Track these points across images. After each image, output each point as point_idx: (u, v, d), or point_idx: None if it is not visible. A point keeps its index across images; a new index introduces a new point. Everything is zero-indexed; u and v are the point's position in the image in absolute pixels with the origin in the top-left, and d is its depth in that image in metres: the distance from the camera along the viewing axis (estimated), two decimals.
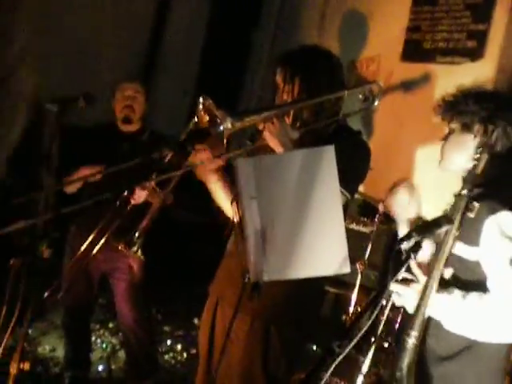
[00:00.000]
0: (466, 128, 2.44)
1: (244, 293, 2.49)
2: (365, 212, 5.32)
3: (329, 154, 2.25)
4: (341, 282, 4.92)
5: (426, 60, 5.57)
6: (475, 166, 2.28)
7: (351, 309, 4.40)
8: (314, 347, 4.86)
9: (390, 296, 2.26)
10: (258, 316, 2.80)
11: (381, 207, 4.45)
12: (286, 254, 2.32)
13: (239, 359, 2.84)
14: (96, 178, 3.91)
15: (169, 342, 5.26)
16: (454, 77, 5.25)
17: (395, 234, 5.03)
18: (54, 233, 3.23)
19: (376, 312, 1.83)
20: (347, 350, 1.75)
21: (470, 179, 2.28)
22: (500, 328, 2.17)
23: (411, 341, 2.11)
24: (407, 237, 1.93)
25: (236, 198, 2.44)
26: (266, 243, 2.33)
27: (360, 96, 2.99)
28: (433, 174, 4.84)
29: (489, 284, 2.24)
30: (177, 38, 7.60)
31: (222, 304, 3.00)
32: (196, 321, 5.19)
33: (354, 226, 5.25)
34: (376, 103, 2.99)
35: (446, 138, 2.56)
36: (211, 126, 2.55)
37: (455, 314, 2.21)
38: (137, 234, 3.54)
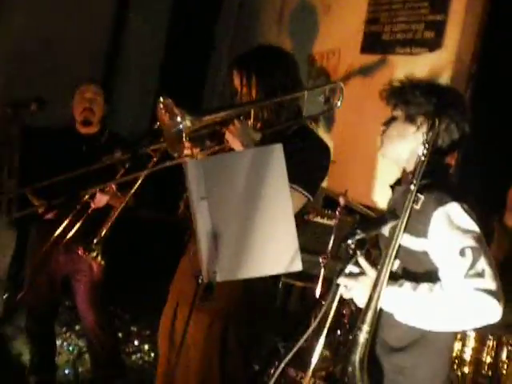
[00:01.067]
0: (410, 119, 2.42)
1: (198, 294, 2.49)
2: (328, 205, 5.35)
3: (277, 152, 2.25)
4: (307, 276, 4.92)
5: (385, 51, 5.61)
6: (422, 163, 2.25)
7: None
8: (283, 343, 4.86)
9: (338, 291, 2.25)
10: (215, 316, 2.81)
11: (341, 200, 4.47)
12: (238, 254, 2.32)
13: (197, 360, 2.85)
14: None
15: (136, 343, 5.25)
16: (412, 67, 5.29)
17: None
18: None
19: (325, 307, 1.85)
20: (297, 346, 1.76)
21: (416, 174, 2.26)
22: (451, 317, 2.18)
23: (363, 335, 2.11)
24: (352, 234, 1.94)
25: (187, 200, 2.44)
26: (218, 244, 2.33)
27: (320, 98, 3.00)
28: (394, 166, 4.92)
29: (440, 274, 2.25)
30: (138, 38, 7.57)
31: (182, 301, 3.00)
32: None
33: (318, 219, 5.28)
34: (339, 105, 3.00)
35: (387, 124, 2.51)
36: (171, 124, 2.55)
37: (407, 305, 2.21)
38: (96, 240, 3.54)
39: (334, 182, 5.28)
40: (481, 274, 2.16)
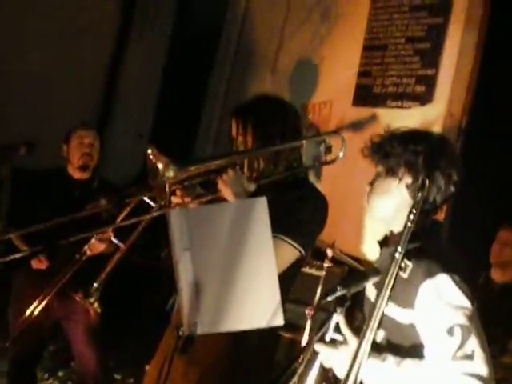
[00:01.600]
0: (391, 172, 2.28)
1: (177, 346, 2.45)
2: (318, 255, 5.33)
3: (261, 205, 2.24)
4: (295, 327, 4.88)
5: (376, 104, 5.65)
6: (409, 228, 2.05)
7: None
8: None
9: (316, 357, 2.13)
10: (192, 363, 2.74)
11: (329, 252, 4.46)
12: (219, 307, 2.30)
13: None
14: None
15: None
16: (403, 121, 5.31)
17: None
18: None
19: (300, 370, 1.81)
20: None
21: (402, 238, 2.07)
22: None
23: None
24: (332, 290, 1.90)
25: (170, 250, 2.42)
26: (199, 295, 2.31)
27: (321, 147, 2.92)
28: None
29: (425, 352, 2.11)
30: (132, 82, 7.64)
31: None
32: (148, 368, 5.10)
33: (307, 270, 5.25)
34: (341, 155, 2.87)
35: (372, 183, 2.38)
36: (155, 175, 2.54)
37: (389, 381, 2.07)
38: (95, 285, 3.51)
39: (323, 233, 5.25)
40: (470, 356, 2.00)
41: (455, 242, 2.73)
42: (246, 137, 2.83)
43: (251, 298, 2.27)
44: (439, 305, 2.07)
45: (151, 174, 2.58)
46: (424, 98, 5.30)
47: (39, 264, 4.17)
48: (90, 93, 7.46)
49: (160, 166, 2.48)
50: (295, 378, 1.83)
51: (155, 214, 2.73)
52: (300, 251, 2.65)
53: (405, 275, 2.13)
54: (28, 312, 3.96)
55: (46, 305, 4.06)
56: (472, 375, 1.96)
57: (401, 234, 2.08)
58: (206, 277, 2.31)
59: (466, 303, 2.07)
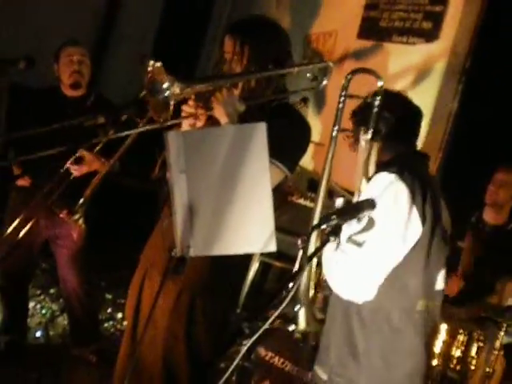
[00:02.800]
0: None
1: (170, 266, 2.47)
2: (313, 188, 5.34)
3: (260, 130, 2.22)
4: (286, 256, 4.92)
5: (381, 38, 5.58)
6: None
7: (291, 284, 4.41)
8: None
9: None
10: (184, 288, 2.78)
11: None
12: (213, 230, 2.31)
13: (163, 329, 2.84)
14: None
15: (109, 310, 5.25)
16: (407, 56, 5.28)
17: None
18: None
19: (293, 290, 1.84)
20: (262, 329, 1.75)
21: None
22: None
23: None
24: (326, 219, 1.92)
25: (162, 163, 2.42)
26: (193, 218, 2.31)
27: (308, 75, 2.96)
28: None
29: None
30: (135, 2, 7.51)
31: (152, 271, 2.97)
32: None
33: (301, 201, 5.26)
34: (324, 83, 2.90)
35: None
36: (155, 91, 2.51)
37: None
38: (80, 202, 3.53)
39: (319, 165, 5.26)
40: (359, 244, 2.23)
41: (450, 180, 2.78)
42: (242, 57, 2.83)
43: (246, 223, 2.28)
44: (367, 193, 2.35)
45: (151, 90, 2.54)
46: (430, 35, 5.23)
47: (22, 181, 4.16)
48: (92, 11, 7.33)
49: (165, 81, 2.45)
50: (284, 305, 1.84)
51: (147, 128, 2.71)
52: (286, 173, 2.75)
53: None
54: (11, 227, 3.99)
55: (34, 222, 4.09)
56: (346, 256, 2.24)
57: None
58: (201, 200, 2.31)
59: (389, 206, 2.25)
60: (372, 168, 2.49)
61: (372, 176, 2.46)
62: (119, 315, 5.17)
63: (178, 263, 2.38)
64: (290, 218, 5.27)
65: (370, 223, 2.20)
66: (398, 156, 2.50)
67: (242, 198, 2.26)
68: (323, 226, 1.93)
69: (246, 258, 3.12)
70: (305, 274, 2.32)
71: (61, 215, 3.65)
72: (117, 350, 3.22)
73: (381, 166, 2.42)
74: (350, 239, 2.19)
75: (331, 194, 4.76)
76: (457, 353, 4.04)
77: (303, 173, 5.10)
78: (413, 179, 2.31)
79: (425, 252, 2.33)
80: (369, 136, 2.44)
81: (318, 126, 5.57)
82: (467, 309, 4.16)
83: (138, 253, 3.18)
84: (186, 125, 2.79)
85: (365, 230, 2.19)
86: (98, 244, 4.43)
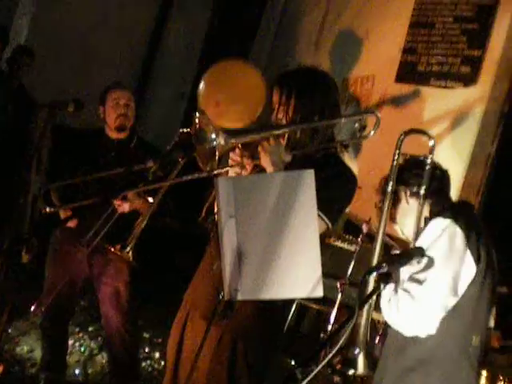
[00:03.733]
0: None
1: (217, 310, 2.50)
2: (350, 230, 5.35)
3: (309, 177, 2.27)
4: (323, 299, 4.91)
5: (419, 82, 5.61)
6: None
7: (329, 327, 4.41)
8: (293, 362, 4.86)
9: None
10: (226, 331, 2.81)
11: (364, 227, 4.47)
12: (261, 275, 2.34)
13: (205, 372, 2.85)
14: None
15: (147, 349, 5.27)
16: (445, 100, 5.30)
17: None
18: (34, 239, 3.25)
19: (344, 338, 1.85)
20: (312, 374, 1.77)
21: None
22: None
23: None
24: (377, 267, 1.94)
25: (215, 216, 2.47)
26: (242, 263, 2.35)
27: (356, 125, 2.99)
28: None
29: None
30: (175, 45, 7.66)
31: (194, 314, 3.01)
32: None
33: (338, 244, 5.27)
34: (372, 134, 2.99)
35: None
36: (202, 140, 2.58)
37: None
38: (130, 238, 3.60)
39: (356, 208, 5.27)
40: (419, 281, 2.35)
41: (489, 225, 2.84)
42: (288, 108, 2.88)
43: (293, 268, 2.31)
44: (424, 238, 2.49)
45: (197, 139, 2.61)
46: (468, 79, 5.24)
47: (70, 222, 4.23)
48: (133, 53, 7.50)
49: (212, 131, 2.52)
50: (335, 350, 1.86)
51: (195, 176, 2.76)
52: (328, 226, 2.76)
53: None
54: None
55: (78, 260, 4.17)
56: (408, 294, 2.34)
57: None
58: (250, 244, 2.35)
59: (447, 248, 2.41)
60: (421, 223, 2.65)
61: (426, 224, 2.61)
62: (157, 355, 5.19)
63: (225, 307, 2.41)
64: (327, 260, 5.28)
65: (430, 263, 2.33)
66: (448, 206, 2.66)
67: (291, 243, 2.30)
68: (375, 274, 1.95)
69: (288, 302, 3.13)
70: (363, 318, 2.37)
71: (113, 250, 3.71)
72: None
73: (433, 215, 2.60)
74: (411, 278, 2.32)
75: (371, 237, 4.81)
76: None
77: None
78: (466, 223, 2.47)
79: (478, 290, 2.48)
80: (422, 191, 2.62)
81: (353, 168, 5.60)
82: (508, 355, 4.13)
83: (175, 292, 3.21)
84: (232, 173, 2.85)
85: (425, 269, 2.33)
86: (135, 283, 4.47)
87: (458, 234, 2.44)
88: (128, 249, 3.55)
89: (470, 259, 2.43)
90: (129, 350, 4.45)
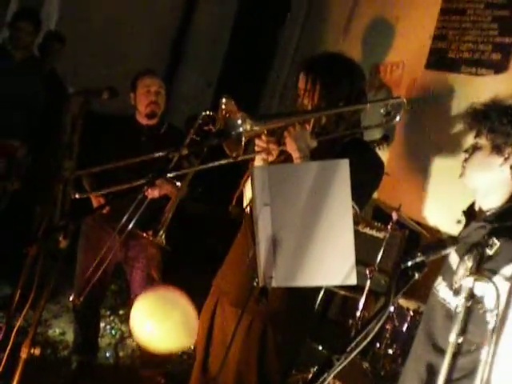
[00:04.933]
0: (497, 149, 2.28)
1: (251, 296, 2.54)
2: (378, 216, 5.36)
3: (344, 167, 2.29)
4: (350, 285, 4.94)
5: (450, 69, 5.60)
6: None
7: (358, 313, 4.45)
8: (320, 347, 4.89)
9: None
10: (257, 316, 2.85)
11: (394, 215, 4.49)
12: (295, 262, 2.37)
13: (235, 357, 2.89)
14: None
15: None
16: (475, 88, 5.28)
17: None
18: (71, 224, 3.30)
19: (378, 326, 1.87)
20: (347, 360, 1.79)
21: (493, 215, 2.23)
22: None
23: None
24: (412, 256, 1.95)
25: (251, 204, 2.50)
26: (277, 250, 2.38)
27: (382, 110, 2.99)
28: (448, 182, 4.92)
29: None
30: (203, 32, 7.67)
31: (223, 300, 3.05)
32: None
33: (367, 230, 5.29)
34: (398, 119, 2.95)
35: (471, 152, 2.39)
36: (229, 126, 2.60)
37: None
38: (161, 223, 3.65)
39: (385, 195, 5.29)
40: None
41: None
42: (314, 94, 2.89)
43: (327, 256, 2.33)
44: None
45: (224, 125, 2.64)
46: (499, 67, 5.22)
47: (97, 204, 4.27)
48: (161, 40, 7.53)
49: (238, 118, 2.54)
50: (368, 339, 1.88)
51: (222, 162, 2.77)
52: (356, 211, 2.75)
53: (490, 252, 2.14)
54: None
55: (109, 245, 4.22)
56: None
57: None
58: (285, 232, 2.38)
59: None
60: (485, 186, 2.37)
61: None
62: None
63: (260, 293, 2.44)
64: (356, 247, 5.30)
65: None
66: None
67: (325, 231, 2.32)
68: (410, 263, 1.95)
69: (316, 288, 3.16)
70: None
71: (146, 235, 3.76)
72: (184, 373, 3.30)
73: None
74: None
75: (400, 225, 4.83)
76: None
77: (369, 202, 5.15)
78: None
79: None
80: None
81: (383, 155, 5.61)
82: None
83: (205, 278, 3.25)
84: (258, 159, 2.88)
85: None
86: (164, 268, 4.52)
87: None
88: (161, 233, 3.60)
89: None
90: None
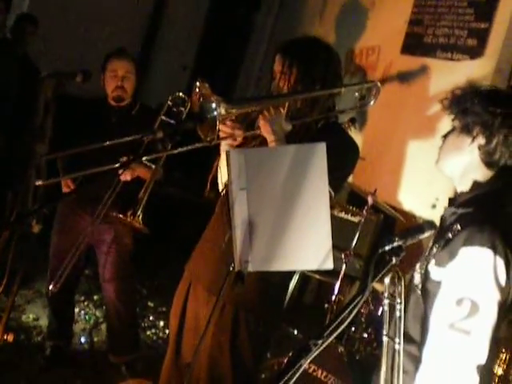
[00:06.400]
0: (466, 129, 2.24)
1: (227, 281, 2.53)
2: (354, 201, 5.37)
3: (321, 150, 2.28)
4: (326, 269, 4.95)
5: (425, 54, 5.60)
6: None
7: (333, 297, 4.45)
8: (295, 332, 4.91)
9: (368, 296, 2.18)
10: (229, 301, 2.83)
11: (370, 199, 4.49)
12: (272, 247, 2.35)
13: (208, 342, 2.88)
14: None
15: (151, 318, 5.32)
16: (451, 73, 5.29)
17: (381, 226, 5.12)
18: (44, 208, 3.27)
19: (355, 311, 1.86)
20: (324, 345, 1.79)
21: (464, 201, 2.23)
22: None
23: None
24: (389, 240, 1.95)
25: (226, 188, 2.48)
26: (253, 234, 2.36)
27: (356, 94, 3.00)
28: (423, 167, 4.94)
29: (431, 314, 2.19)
30: (178, 14, 7.61)
31: (196, 285, 3.04)
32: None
33: (342, 215, 5.29)
34: (372, 103, 2.99)
35: (446, 136, 2.37)
36: (203, 110, 2.58)
37: None
38: (138, 204, 3.65)
39: (360, 179, 5.30)
40: (467, 332, 2.04)
41: None
42: (290, 77, 2.88)
43: (304, 241, 2.32)
44: (462, 273, 2.08)
45: (199, 109, 2.62)
46: (474, 52, 5.23)
47: (66, 188, 4.22)
48: (137, 23, 7.46)
49: (212, 102, 2.52)
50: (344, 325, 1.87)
51: (196, 146, 2.74)
52: (331, 194, 2.72)
53: (450, 235, 2.17)
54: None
55: (81, 228, 4.19)
56: (460, 347, 2.03)
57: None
58: (261, 216, 2.36)
59: (491, 286, 2.05)
60: (458, 168, 2.32)
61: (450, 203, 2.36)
62: (161, 323, 5.24)
63: (235, 278, 2.43)
64: (331, 232, 5.31)
65: (474, 309, 2.04)
66: (493, 193, 2.26)
67: (301, 215, 2.31)
68: (387, 248, 1.94)
69: (289, 272, 3.15)
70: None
71: (122, 217, 3.73)
72: (159, 358, 3.28)
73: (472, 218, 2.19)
74: (453, 327, 2.04)
75: (375, 209, 4.84)
76: (499, 371, 4.03)
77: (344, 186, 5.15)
78: (504, 245, 2.09)
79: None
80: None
81: (358, 140, 5.61)
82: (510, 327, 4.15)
83: (179, 262, 3.23)
84: (224, 145, 2.86)
85: (469, 316, 2.03)
86: (139, 252, 4.50)
87: (501, 266, 2.06)
88: (138, 214, 3.59)
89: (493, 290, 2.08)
90: (122, 319, 4.45)
